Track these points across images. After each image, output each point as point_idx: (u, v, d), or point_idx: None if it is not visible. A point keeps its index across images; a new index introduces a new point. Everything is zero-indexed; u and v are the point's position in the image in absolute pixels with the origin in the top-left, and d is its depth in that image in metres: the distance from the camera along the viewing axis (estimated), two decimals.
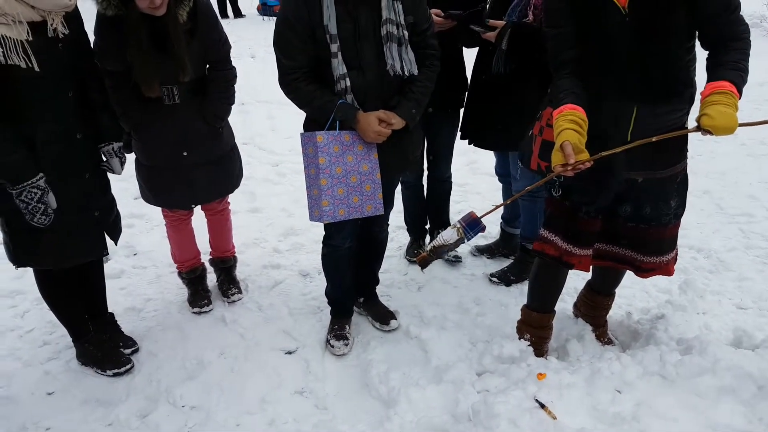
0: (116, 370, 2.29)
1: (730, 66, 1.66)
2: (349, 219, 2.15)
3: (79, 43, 2.05)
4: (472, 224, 1.94)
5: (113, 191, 2.33)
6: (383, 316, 2.59)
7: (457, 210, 3.77)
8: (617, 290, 2.42)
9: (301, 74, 2.04)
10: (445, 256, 2.07)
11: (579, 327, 2.42)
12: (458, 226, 1.94)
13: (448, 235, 1.94)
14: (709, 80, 1.68)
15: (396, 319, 2.58)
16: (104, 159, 2.20)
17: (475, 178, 4.27)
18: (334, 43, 1.96)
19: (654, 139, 1.70)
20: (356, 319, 2.65)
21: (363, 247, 2.51)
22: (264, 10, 12.03)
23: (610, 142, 1.79)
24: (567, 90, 1.80)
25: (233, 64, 2.47)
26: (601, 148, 1.75)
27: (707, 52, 1.76)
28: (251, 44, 8.46)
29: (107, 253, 2.25)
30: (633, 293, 2.77)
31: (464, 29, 2.55)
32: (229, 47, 2.44)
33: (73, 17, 2.01)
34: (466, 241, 1.96)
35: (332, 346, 2.44)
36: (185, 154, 2.38)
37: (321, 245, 2.45)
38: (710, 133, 1.62)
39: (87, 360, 2.33)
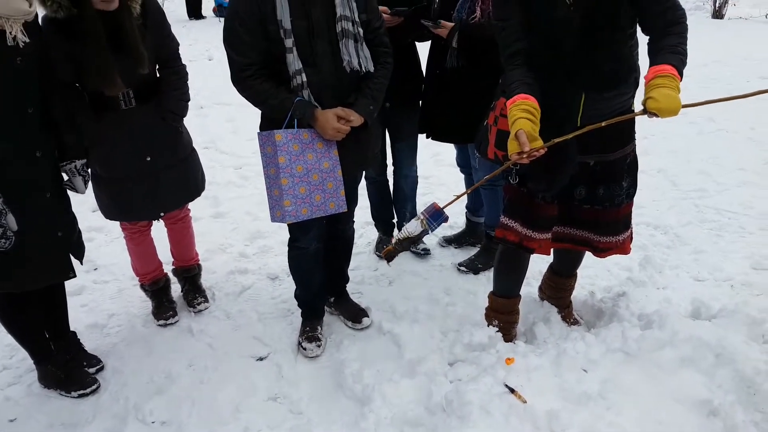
0: (81, 391, 2.23)
1: (670, 50, 1.72)
2: (313, 219, 2.12)
3: (40, 58, 1.97)
4: (435, 215, 1.96)
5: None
6: (355, 314, 2.58)
7: (423, 202, 3.75)
8: (580, 271, 2.48)
9: (253, 71, 2.00)
10: (411, 248, 2.07)
11: (545, 309, 2.47)
12: (421, 217, 1.96)
13: (412, 227, 1.96)
14: (651, 64, 1.74)
15: (368, 317, 2.58)
16: (66, 177, 2.12)
17: (439, 170, 4.30)
18: (289, 38, 1.94)
19: (603, 124, 1.75)
20: (328, 319, 2.64)
21: (330, 246, 2.49)
22: (220, 11, 11.86)
23: (561, 128, 1.83)
24: (519, 80, 1.83)
25: (189, 66, 2.45)
26: (554, 135, 1.79)
27: (648, 37, 1.82)
28: (208, 46, 8.31)
29: (74, 274, 2.15)
30: (595, 273, 2.84)
31: (413, 25, 2.57)
32: (178, 44, 2.43)
33: (34, 29, 1.94)
34: (430, 231, 1.97)
35: (304, 349, 2.42)
36: (149, 159, 2.33)
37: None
38: (656, 115, 1.67)
39: (50, 382, 2.26)
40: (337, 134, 2.05)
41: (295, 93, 2.01)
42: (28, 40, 1.87)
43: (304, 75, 1.98)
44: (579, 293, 2.59)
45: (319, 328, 2.51)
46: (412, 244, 1.99)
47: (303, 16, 1.95)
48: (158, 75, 2.38)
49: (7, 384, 2.32)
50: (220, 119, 5.50)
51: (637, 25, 1.85)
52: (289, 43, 1.94)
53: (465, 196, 3.23)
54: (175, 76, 2.38)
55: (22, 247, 1.92)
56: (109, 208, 2.44)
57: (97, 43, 2.06)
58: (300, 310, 2.56)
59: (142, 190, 2.37)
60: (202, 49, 8.28)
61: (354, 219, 2.53)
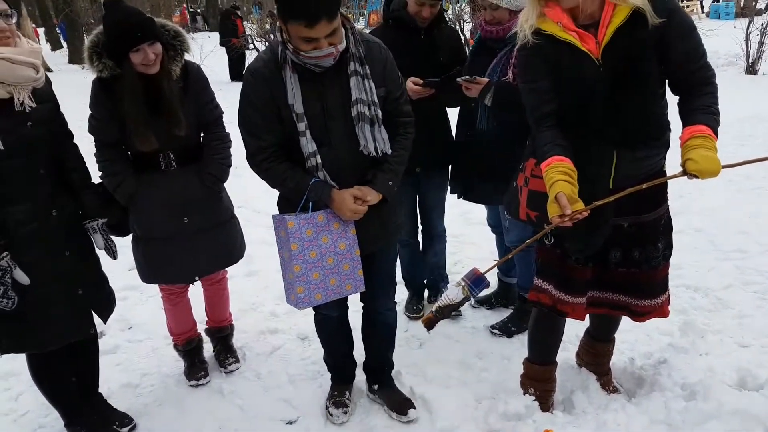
0: None
1: (704, 110, 1.73)
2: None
3: (52, 122, 2.06)
4: (477, 281, 1.92)
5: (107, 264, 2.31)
6: (400, 406, 2.36)
7: (453, 261, 3.78)
8: (618, 335, 2.41)
9: (269, 153, 1.96)
10: (451, 315, 2.00)
11: (583, 377, 2.39)
12: (463, 284, 1.91)
13: (453, 294, 1.91)
14: (685, 125, 1.75)
15: (415, 408, 2.35)
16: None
17: (469, 229, 4.29)
18: (302, 121, 1.90)
19: (644, 186, 1.75)
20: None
21: (369, 332, 2.40)
22: None
23: (594, 188, 1.83)
24: (551, 142, 1.85)
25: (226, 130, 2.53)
26: (587, 195, 1.79)
27: (678, 97, 1.83)
28: None
29: (94, 331, 2.19)
30: (635, 338, 2.75)
31: (445, 91, 2.63)
32: (221, 111, 2.51)
33: (46, 97, 2.04)
34: (472, 298, 1.93)
35: (331, 415, 2.36)
36: (186, 220, 2.38)
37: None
38: (696, 177, 1.66)
39: None
40: (354, 215, 1.99)
41: (311, 174, 1.97)
42: (35, 106, 1.95)
43: (318, 157, 1.93)
44: (618, 359, 2.50)
45: (347, 393, 2.43)
46: (453, 311, 1.95)
47: (317, 99, 1.91)
48: (201, 140, 2.48)
49: None
50: (254, 179, 5.46)
51: (667, 86, 1.87)
52: (302, 126, 1.90)
53: (495, 257, 3.23)
54: (217, 141, 2.46)
55: (38, 305, 1.97)
56: (145, 271, 2.48)
57: (134, 103, 2.16)
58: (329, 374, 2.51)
59: (179, 252, 2.41)
60: (235, 111, 8.62)
61: (396, 302, 2.41)
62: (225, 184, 2.57)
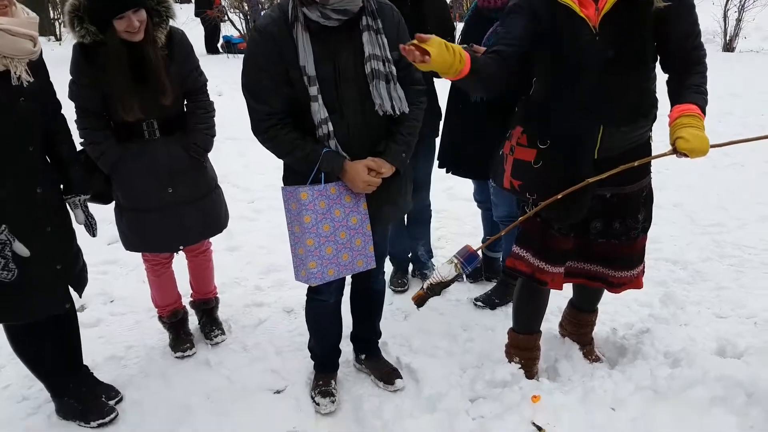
0: (101, 420, 2.21)
1: (694, 89, 1.75)
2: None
3: (44, 94, 2.00)
4: (470, 258, 1.90)
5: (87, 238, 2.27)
6: (387, 375, 2.37)
7: (437, 236, 3.79)
8: (600, 307, 2.45)
9: (277, 120, 1.87)
10: (442, 292, 1.98)
11: (566, 346, 2.44)
12: (455, 261, 1.89)
13: (445, 271, 1.88)
14: (674, 103, 1.76)
15: (401, 378, 2.36)
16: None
17: (453, 204, 4.31)
18: (313, 85, 1.80)
19: (636, 163, 1.76)
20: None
21: (359, 300, 2.38)
22: (228, 47, 12.12)
23: (578, 158, 1.84)
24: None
25: None
26: (571, 165, 1.81)
27: (668, 74, 1.84)
28: (218, 81, 8.46)
29: (70, 305, 2.15)
30: (615, 309, 2.80)
31: None
32: (206, 79, 2.45)
33: (39, 67, 1.96)
34: (464, 275, 1.91)
35: (317, 404, 2.28)
36: (170, 190, 2.34)
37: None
38: (686, 155, 1.68)
39: (68, 414, 2.24)
40: (368, 188, 1.92)
41: (321, 143, 1.88)
42: (32, 80, 1.88)
43: (330, 124, 1.85)
44: (600, 329, 2.56)
45: (333, 382, 2.35)
46: (444, 288, 1.92)
47: (328, 60, 1.82)
48: (185, 109, 2.42)
49: (27, 414, 2.30)
50: (231, 153, 5.55)
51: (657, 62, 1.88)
52: (313, 90, 1.81)
53: (479, 233, 3.25)
54: (202, 110, 2.41)
55: (21, 279, 1.93)
56: (129, 239, 2.45)
57: (118, 71, 2.11)
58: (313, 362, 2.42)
59: (163, 222, 2.38)
60: (213, 84, 8.30)
61: (384, 270, 2.40)
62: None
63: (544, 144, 1.90)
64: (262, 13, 2.12)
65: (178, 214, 2.39)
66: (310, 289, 2.21)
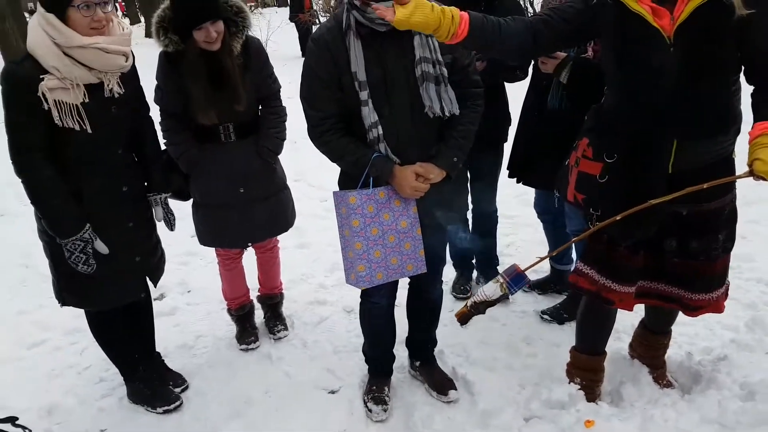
0: (166, 407, 2.35)
1: None
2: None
3: (133, 101, 2.15)
4: (516, 279, 1.82)
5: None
6: (441, 385, 2.34)
7: (506, 243, 3.70)
8: (678, 328, 2.29)
9: (330, 125, 1.93)
10: (486, 311, 1.90)
11: (635, 369, 2.29)
12: (501, 280, 1.82)
13: (490, 290, 1.82)
14: (756, 119, 1.61)
15: (456, 389, 2.32)
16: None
17: (525, 210, 4.16)
18: (364, 90, 1.85)
19: (705, 186, 1.62)
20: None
21: (415, 307, 2.38)
22: None
23: (649, 173, 1.72)
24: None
25: (287, 103, 2.59)
26: (641, 180, 1.69)
27: (752, 87, 1.68)
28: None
29: (146, 295, 2.33)
30: (695, 331, 2.60)
31: (499, 67, 2.54)
32: (279, 86, 2.56)
33: (131, 77, 2.12)
34: (510, 296, 1.83)
35: (370, 410, 2.28)
36: (242, 190, 2.46)
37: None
38: (763, 178, 1.53)
39: (137, 399, 2.41)
40: (416, 193, 1.94)
41: (372, 147, 1.92)
42: (123, 92, 2.03)
43: (380, 128, 1.88)
44: (675, 353, 2.38)
45: (386, 389, 2.33)
46: (489, 307, 1.85)
47: (378, 65, 1.85)
48: (259, 114, 2.53)
49: (101, 395, 2.50)
50: (310, 154, 5.66)
51: (741, 73, 1.72)
52: (364, 95, 1.85)
53: (546, 242, 3.12)
54: (274, 116, 2.51)
55: (102, 270, 2.09)
56: (204, 234, 2.60)
57: (196, 79, 2.24)
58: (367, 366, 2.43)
59: (235, 219, 2.50)
60: (297, 87, 8.69)
61: (443, 279, 2.38)
62: (281, 157, 2.62)
63: (611, 158, 1.80)
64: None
65: (247, 213, 2.50)
66: (362, 291, 2.22)
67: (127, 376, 2.42)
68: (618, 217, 1.72)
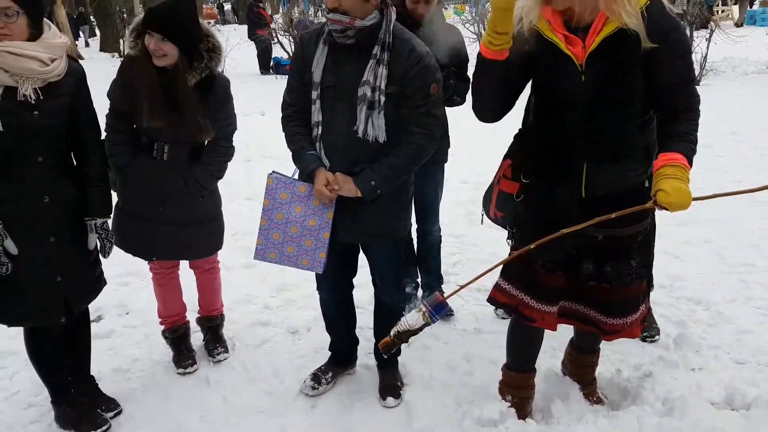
0: (93, 431, 2.28)
1: (682, 138, 1.68)
2: (326, 272, 2.22)
3: (68, 118, 2.10)
4: (438, 307, 1.82)
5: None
6: (384, 390, 2.45)
7: (452, 262, 3.76)
8: (610, 345, 2.36)
9: (290, 112, 2.14)
10: (409, 341, 1.90)
11: (566, 386, 2.35)
12: (423, 309, 1.82)
13: (413, 320, 1.82)
14: (661, 150, 1.70)
15: (395, 398, 2.42)
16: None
17: (471, 229, 4.26)
18: (315, 90, 2.04)
19: (613, 215, 1.67)
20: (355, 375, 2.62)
21: (376, 312, 2.49)
22: (276, 69, 12.46)
23: (564, 196, 1.79)
24: None
25: (242, 120, 2.64)
26: (557, 203, 1.76)
27: (658, 117, 1.78)
28: (262, 102, 8.73)
29: (65, 320, 2.20)
30: (627, 348, 2.69)
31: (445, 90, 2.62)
32: (235, 128, 2.55)
33: (65, 92, 2.06)
34: (431, 324, 1.84)
35: (304, 383, 2.50)
36: (160, 209, 2.44)
37: (313, 299, 2.58)
38: (665, 209, 1.61)
39: (64, 422, 2.32)
40: (320, 196, 2.08)
41: (313, 145, 2.10)
42: (40, 98, 1.98)
43: (320, 128, 2.06)
44: (606, 369, 2.46)
45: (330, 373, 2.54)
46: (411, 336, 1.85)
47: (333, 72, 2.02)
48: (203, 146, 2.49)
49: (30, 421, 2.40)
50: (264, 172, 5.67)
51: None
52: (314, 94, 2.04)
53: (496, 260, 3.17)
54: (219, 155, 2.49)
55: (13, 283, 2.03)
56: (117, 238, 2.45)
57: (145, 74, 2.26)
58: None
59: (142, 230, 2.46)
60: (257, 103, 8.70)
61: (398, 287, 2.39)
62: (236, 177, 2.60)
63: (527, 179, 1.87)
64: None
65: (157, 230, 2.46)
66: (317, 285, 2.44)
67: (56, 398, 2.33)
68: (533, 246, 1.75)
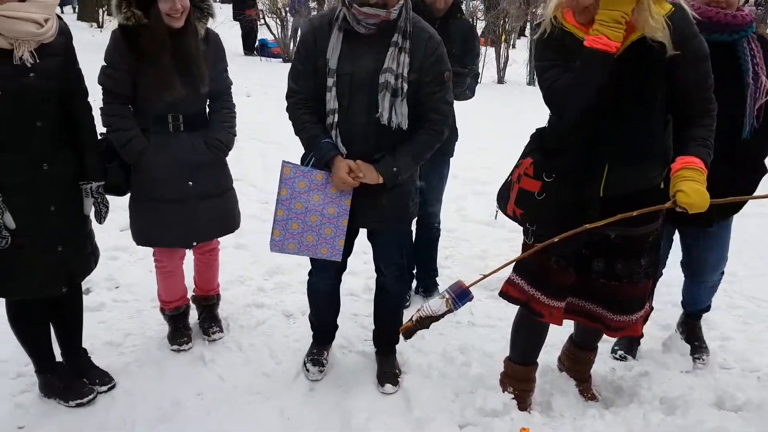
0: (79, 401, 2.24)
1: (700, 142, 1.74)
2: (332, 261, 2.21)
3: (61, 78, 2.04)
4: (461, 295, 1.87)
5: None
6: (382, 377, 2.46)
7: (444, 255, 3.78)
8: (602, 344, 2.42)
9: (298, 99, 2.10)
10: (430, 326, 1.94)
11: (563, 381, 2.40)
12: (446, 296, 1.86)
13: (435, 306, 1.86)
14: (679, 153, 1.75)
15: (393, 385, 2.42)
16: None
17: (464, 225, 4.30)
18: (331, 77, 2.00)
19: (635, 213, 1.74)
20: (347, 362, 2.61)
21: (376, 297, 2.49)
22: (262, 50, 12.27)
23: (584, 193, 1.85)
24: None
25: None
26: (577, 198, 1.80)
27: (676, 121, 1.83)
28: (247, 83, 8.59)
29: (64, 291, 2.16)
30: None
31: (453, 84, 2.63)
32: (231, 82, 2.53)
33: (57, 52, 2.01)
34: (454, 311, 1.88)
35: (308, 371, 2.49)
36: (190, 183, 2.37)
37: (306, 285, 2.50)
38: (684, 210, 1.67)
39: (49, 391, 2.27)
40: (342, 185, 2.06)
41: (326, 132, 2.07)
42: (37, 61, 1.93)
43: (336, 116, 2.03)
44: (599, 367, 2.52)
45: (325, 353, 2.56)
46: (433, 322, 1.89)
47: (350, 60, 2.00)
48: (207, 108, 2.47)
49: (20, 391, 2.33)
50: (252, 154, 5.62)
51: None
52: (330, 81, 2.01)
53: (488, 255, 3.22)
54: (227, 110, 2.47)
55: (15, 255, 1.97)
56: (142, 232, 2.45)
57: (162, 51, 2.16)
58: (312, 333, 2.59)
59: (181, 215, 2.39)
60: (242, 85, 8.53)
61: (402, 274, 2.45)
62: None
63: (550, 177, 1.90)
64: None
65: (193, 210, 2.40)
66: (311, 268, 2.42)
67: (40, 368, 2.28)
68: (556, 239, 1.81)
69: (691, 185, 1.68)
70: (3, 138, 1.94)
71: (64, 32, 2.05)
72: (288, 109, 2.14)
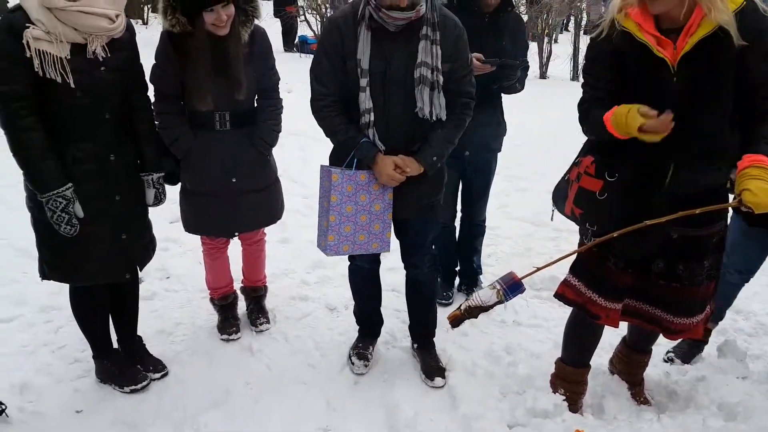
0: (133, 387, 2.30)
1: (767, 140, 1.66)
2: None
3: (127, 72, 2.11)
4: (513, 286, 1.83)
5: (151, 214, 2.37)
6: (430, 371, 2.45)
7: (487, 254, 3.73)
8: (656, 348, 2.35)
9: (330, 101, 2.08)
10: (479, 317, 1.93)
11: (614, 384, 2.34)
12: (498, 287, 1.83)
13: (486, 296, 1.83)
14: (746, 151, 1.68)
15: (443, 378, 2.43)
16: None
17: (506, 222, 4.24)
18: (364, 77, 1.99)
19: (698, 211, 1.68)
20: (395, 357, 2.61)
21: (408, 291, 2.50)
22: (301, 47, 12.37)
23: (648, 195, 1.79)
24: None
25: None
26: (641, 202, 1.75)
27: (744, 118, 1.76)
28: (289, 79, 8.64)
29: (130, 276, 2.25)
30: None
31: (503, 74, 2.59)
32: (279, 78, 2.54)
33: (124, 46, 2.08)
34: (505, 303, 1.85)
35: (353, 363, 2.49)
36: (233, 180, 2.42)
37: (347, 280, 2.54)
38: (750, 209, 1.60)
39: (105, 377, 2.35)
40: (391, 182, 2.09)
41: (363, 132, 2.06)
42: (108, 56, 1.99)
43: (372, 115, 2.02)
44: (652, 371, 2.44)
45: (370, 347, 2.56)
46: (482, 312, 1.88)
47: (382, 58, 1.99)
48: (256, 104, 2.50)
49: (77, 376, 2.41)
50: (293, 149, 5.67)
51: None
52: (363, 82, 1.99)
53: (531, 253, 3.15)
54: (272, 108, 2.49)
55: (85, 242, 2.04)
56: (190, 222, 2.55)
57: (200, 62, 2.20)
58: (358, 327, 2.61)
59: (223, 208, 2.46)
60: (283, 81, 8.59)
61: (434, 264, 2.45)
62: None
63: (612, 177, 1.85)
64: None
65: (237, 203, 2.46)
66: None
67: (98, 354, 2.35)
68: (615, 234, 1.76)
69: (758, 184, 1.60)
70: (76, 129, 2.01)
71: (129, 28, 2.11)
72: (316, 112, 2.12)
